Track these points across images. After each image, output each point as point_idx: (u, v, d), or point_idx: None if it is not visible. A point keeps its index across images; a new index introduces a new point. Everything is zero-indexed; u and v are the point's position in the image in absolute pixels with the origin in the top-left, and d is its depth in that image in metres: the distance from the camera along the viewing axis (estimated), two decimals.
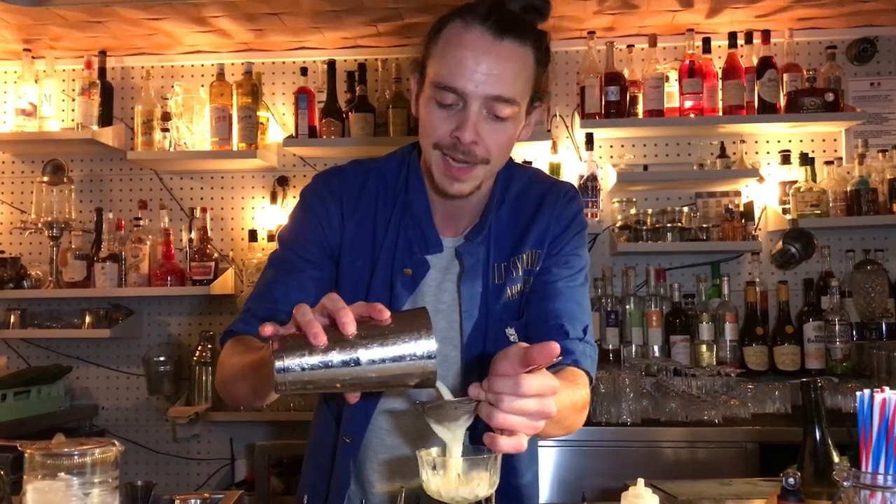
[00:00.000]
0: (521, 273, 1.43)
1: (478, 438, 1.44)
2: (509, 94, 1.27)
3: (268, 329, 0.98)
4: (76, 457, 1.00)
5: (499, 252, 1.43)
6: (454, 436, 1.06)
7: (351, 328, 0.95)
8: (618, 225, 3.26)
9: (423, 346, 0.97)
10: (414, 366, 0.97)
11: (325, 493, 1.48)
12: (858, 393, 1.03)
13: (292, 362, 0.95)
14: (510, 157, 1.45)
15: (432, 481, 1.05)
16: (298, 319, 0.97)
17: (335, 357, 0.95)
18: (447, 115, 1.29)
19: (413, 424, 1.44)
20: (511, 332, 1.41)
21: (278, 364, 0.95)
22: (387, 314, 0.98)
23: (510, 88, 1.27)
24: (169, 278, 3.23)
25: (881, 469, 1.00)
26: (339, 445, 1.45)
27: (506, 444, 1.00)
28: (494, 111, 1.28)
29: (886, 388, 1.03)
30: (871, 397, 1.02)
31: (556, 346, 0.98)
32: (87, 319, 3.31)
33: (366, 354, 0.96)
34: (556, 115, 3.35)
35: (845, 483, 1.01)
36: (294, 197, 3.40)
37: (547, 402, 1.00)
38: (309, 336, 0.95)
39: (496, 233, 1.43)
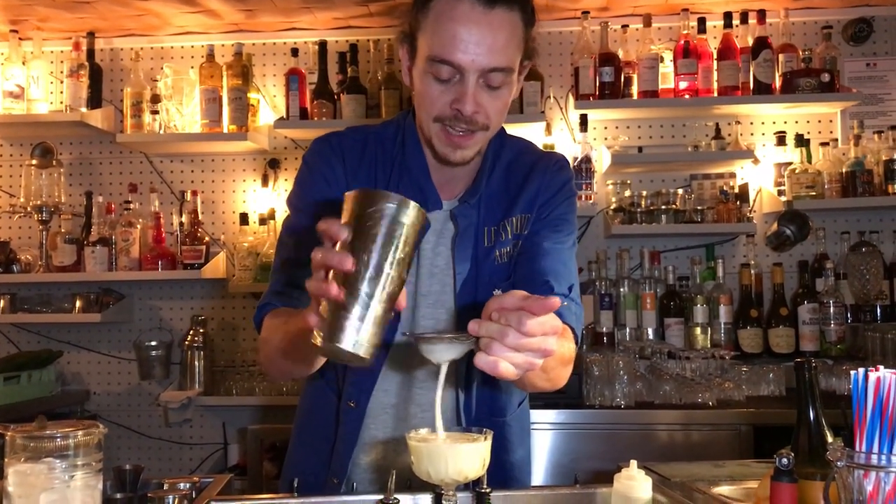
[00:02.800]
0: (510, 237, 1.45)
1: (470, 422, 1.44)
2: (504, 63, 1.29)
3: (312, 320, 0.97)
4: (59, 439, 0.98)
5: (489, 217, 1.45)
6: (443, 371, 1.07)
7: (348, 263, 0.94)
8: (612, 207, 3.24)
9: (395, 207, 0.96)
10: (408, 223, 0.96)
11: (326, 462, 1.48)
12: (853, 372, 1.01)
13: (350, 332, 0.94)
14: (502, 128, 1.48)
15: (422, 464, 1.04)
16: (312, 292, 0.97)
17: (365, 291, 0.94)
18: (444, 87, 1.30)
19: (412, 384, 1.46)
20: (499, 293, 1.42)
21: (346, 344, 0.94)
22: (343, 229, 0.96)
23: (504, 57, 1.28)
24: (160, 262, 3.21)
25: (875, 448, 0.99)
26: (343, 412, 1.46)
27: (496, 367, 0.99)
28: (490, 81, 1.29)
29: (881, 367, 1.01)
30: (866, 376, 1.00)
31: (556, 300, 0.98)
32: (78, 304, 3.29)
33: (378, 262, 0.95)
34: (549, 97, 3.33)
35: (839, 463, 1.00)
36: (286, 180, 3.37)
37: (549, 341, 1.00)
38: (332, 297, 0.94)
39: (487, 198, 1.45)
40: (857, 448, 0.99)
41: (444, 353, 1.05)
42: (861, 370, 1.01)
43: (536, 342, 0.99)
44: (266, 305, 1.40)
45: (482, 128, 1.33)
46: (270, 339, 1.34)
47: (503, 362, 0.99)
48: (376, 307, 0.95)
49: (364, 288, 0.94)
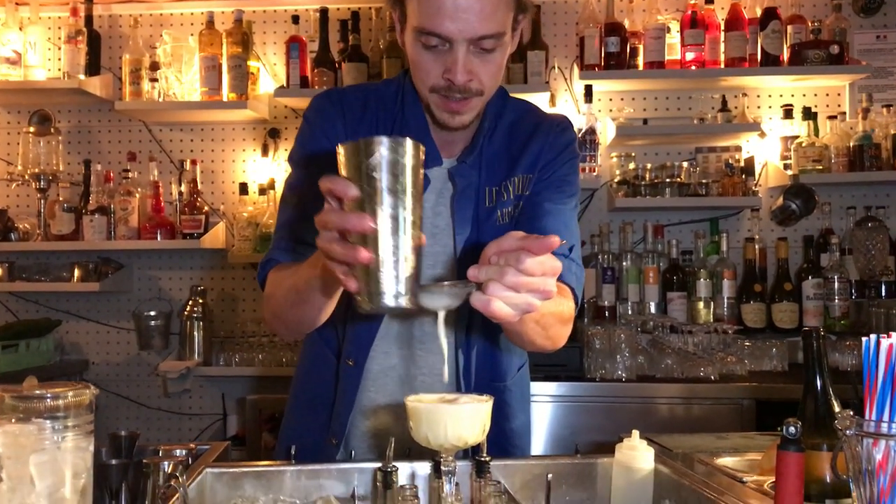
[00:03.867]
0: (511, 197, 1.43)
1: (470, 387, 1.42)
2: (493, 29, 1.25)
3: (352, 286, 0.96)
4: (49, 400, 0.95)
5: (491, 177, 1.43)
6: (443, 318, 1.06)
7: (369, 224, 0.92)
8: (616, 180, 3.20)
9: (392, 149, 0.94)
10: (409, 162, 0.95)
11: (325, 424, 1.47)
12: (864, 339, 0.98)
13: (390, 289, 0.94)
14: (505, 90, 1.47)
15: (421, 429, 1.01)
16: (340, 258, 0.96)
17: (391, 244, 0.93)
18: (435, 56, 1.28)
19: (410, 343, 1.45)
20: None
21: (389, 301, 0.94)
22: (350, 187, 0.94)
23: (493, 23, 1.25)
24: (158, 232, 3.18)
25: (886, 417, 0.96)
26: (342, 371, 1.45)
27: (494, 307, 0.97)
28: (481, 46, 1.27)
29: (894, 334, 0.98)
30: (878, 343, 0.97)
31: (556, 238, 0.96)
32: (77, 273, 3.26)
33: (394, 212, 0.94)
34: (554, 67, 3.28)
35: (848, 431, 0.97)
36: (286, 150, 3.33)
37: (548, 281, 0.98)
38: (362, 260, 0.93)
39: (489, 158, 1.43)
40: (867, 416, 0.97)
41: (442, 301, 1.03)
42: (873, 336, 0.98)
43: (536, 282, 0.97)
44: (270, 262, 1.39)
45: (477, 94, 1.31)
46: (276, 293, 1.33)
47: (496, 301, 0.96)
48: (405, 254, 0.94)
49: (389, 241, 0.93)
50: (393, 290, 0.94)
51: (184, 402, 3.38)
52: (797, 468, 1.02)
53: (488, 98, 1.37)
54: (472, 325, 1.44)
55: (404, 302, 0.95)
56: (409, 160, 0.94)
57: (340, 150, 0.96)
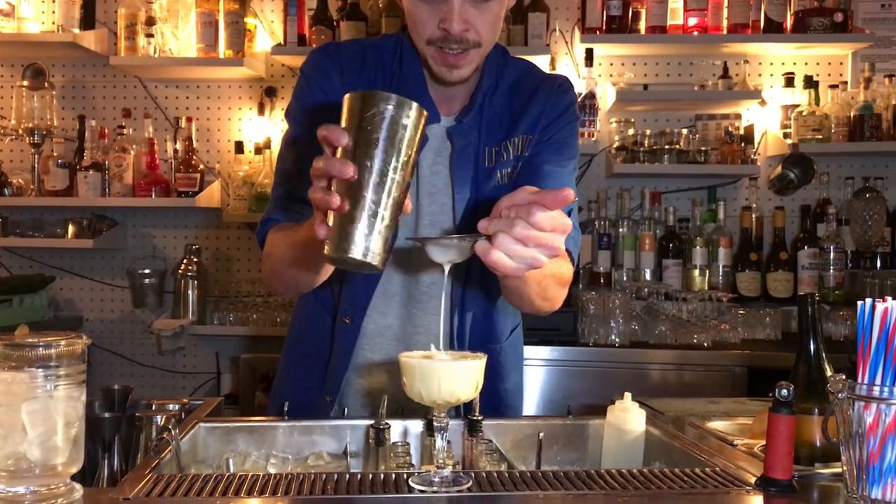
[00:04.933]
0: (511, 158, 1.42)
1: (463, 347, 1.43)
2: None
3: (321, 232, 0.95)
4: (41, 348, 0.95)
5: (490, 137, 1.42)
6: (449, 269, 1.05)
7: (349, 171, 0.91)
8: (615, 146, 3.18)
9: (395, 108, 0.93)
10: (410, 124, 0.94)
11: (319, 381, 1.48)
12: (860, 302, 0.98)
13: (359, 241, 0.92)
14: (505, 49, 1.46)
15: (414, 385, 1.01)
16: (316, 204, 0.95)
17: (370, 198, 0.92)
18: (431, 7, 1.27)
19: (407, 303, 1.45)
20: None
21: (356, 254, 0.92)
22: (343, 134, 0.93)
23: None
24: (153, 189, 3.16)
25: (878, 381, 0.96)
26: (338, 329, 1.45)
27: (501, 258, 0.96)
28: None
29: (889, 298, 0.98)
30: (873, 307, 0.97)
31: (570, 192, 0.95)
32: (71, 229, 3.25)
33: (382, 168, 0.92)
34: (555, 30, 3.24)
35: (840, 395, 0.98)
36: (282, 109, 3.29)
37: (557, 238, 0.98)
38: (335, 208, 0.92)
39: (488, 118, 1.42)
40: (860, 380, 0.97)
41: (449, 254, 1.02)
42: (868, 301, 0.98)
43: (545, 237, 0.96)
44: (269, 220, 1.38)
45: (474, 45, 1.29)
46: (275, 252, 1.33)
47: (497, 252, 0.96)
48: (383, 213, 0.93)
49: (369, 195, 0.92)
50: (363, 243, 0.92)
51: (178, 360, 3.38)
52: (788, 431, 1.03)
53: (486, 51, 1.35)
54: (468, 286, 1.43)
55: (373, 259, 0.93)
56: (409, 122, 0.93)
57: (346, 98, 0.95)
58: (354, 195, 0.92)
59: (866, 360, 0.98)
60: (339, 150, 0.94)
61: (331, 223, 0.94)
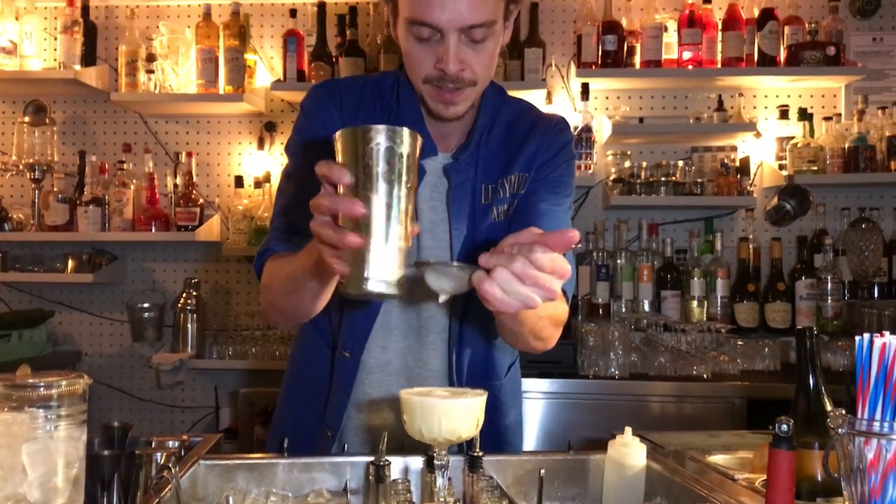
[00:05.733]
0: (507, 195, 1.43)
1: (462, 384, 1.43)
2: (484, 18, 1.25)
3: (337, 269, 0.96)
4: (42, 389, 0.95)
5: (487, 174, 1.43)
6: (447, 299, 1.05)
7: (359, 209, 0.93)
8: (611, 178, 3.21)
9: (390, 138, 0.94)
10: (406, 151, 0.95)
11: (320, 416, 1.47)
12: (857, 337, 0.99)
13: (375, 274, 0.94)
14: (503, 88, 1.48)
15: (415, 422, 1.01)
16: (329, 242, 0.96)
17: (380, 232, 0.94)
18: (427, 47, 1.28)
19: (407, 337, 1.45)
20: None
21: (373, 287, 0.93)
22: (345, 172, 0.94)
23: (483, 12, 1.24)
24: (153, 223, 3.17)
25: (878, 416, 0.96)
26: (338, 362, 1.45)
27: (495, 292, 0.96)
28: (472, 36, 1.26)
29: (886, 333, 0.99)
30: (871, 342, 0.98)
31: (574, 234, 0.96)
32: (70, 264, 3.26)
33: (387, 200, 0.94)
34: (551, 64, 3.28)
35: (840, 430, 0.98)
36: (282, 143, 3.32)
37: (555, 282, 0.97)
38: (351, 246, 0.93)
39: (485, 156, 1.43)
40: (860, 415, 0.97)
41: (447, 282, 1.02)
42: (866, 335, 0.98)
43: (544, 278, 0.96)
44: (267, 251, 1.38)
45: (470, 84, 1.31)
46: (273, 281, 1.33)
47: (492, 284, 0.95)
48: (394, 244, 0.94)
49: (380, 227, 0.93)
50: (379, 275, 0.94)
51: (176, 394, 3.37)
52: (789, 466, 1.03)
53: (482, 89, 1.36)
54: (466, 322, 1.43)
55: (389, 290, 0.94)
56: (405, 149, 0.95)
57: (338, 135, 0.96)
58: (364, 230, 0.93)
59: (866, 394, 0.98)
60: (342, 188, 0.95)
61: (345, 259, 0.95)
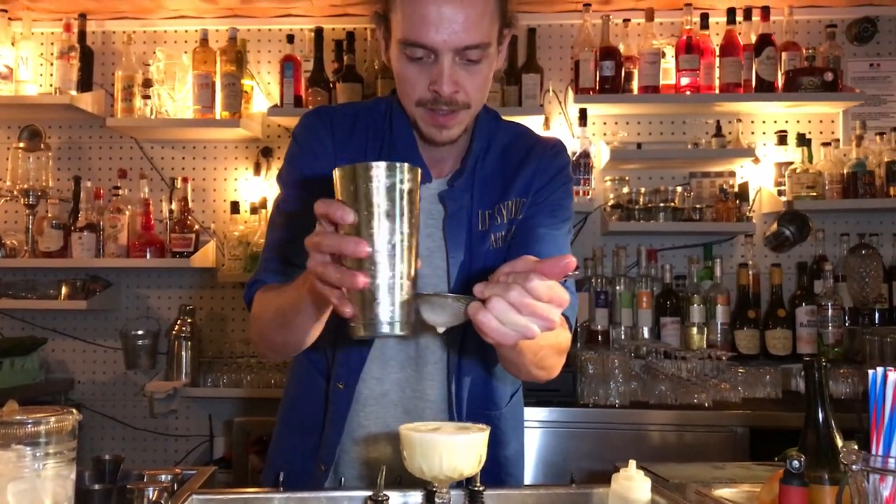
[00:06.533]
0: (505, 221, 1.41)
1: (462, 415, 1.39)
2: (478, 39, 1.23)
3: (346, 311, 0.94)
4: (29, 425, 0.92)
5: (483, 200, 1.41)
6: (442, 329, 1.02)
7: (364, 249, 0.90)
8: (610, 204, 3.19)
9: (390, 174, 0.92)
10: (407, 187, 0.92)
11: (314, 449, 1.43)
12: (871, 371, 0.96)
13: (384, 315, 0.92)
14: (497, 113, 1.46)
15: (415, 459, 0.98)
16: (336, 283, 0.93)
17: (387, 271, 0.92)
18: (420, 69, 1.26)
19: (404, 367, 1.42)
20: None
21: (384, 329, 0.92)
22: (348, 212, 0.92)
23: (478, 34, 1.23)
24: (148, 250, 3.14)
25: (893, 452, 0.94)
26: (332, 394, 1.42)
27: (491, 323, 0.93)
28: (467, 57, 1.25)
29: None
30: (885, 376, 0.95)
31: (571, 260, 0.93)
32: (64, 290, 3.22)
33: (391, 238, 0.92)
34: (549, 90, 3.28)
35: (854, 467, 0.95)
36: (278, 169, 3.30)
37: (553, 310, 0.94)
38: (359, 285, 0.91)
39: (481, 181, 1.41)
40: (874, 451, 0.94)
41: (443, 315, 0.99)
42: (879, 370, 0.96)
43: (541, 307, 0.93)
44: (257, 282, 1.36)
45: (464, 106, 1.29)
46: (262, 314, 1.30)
47: (488, 314, 0.92)
48: (401, 282, 0.92)
49: (386, 267, 0.92)
50: (388, 316, 0.92)
51: (170, 422, 3.32)
52: (801, 503, 1.00)
53: (475, 112, 1.35)
54: (464, 352, 1.41)
55: (400, 329, 0.92)
56: (406, 185, 0.93)
57: (337, 173, 0.94)
58: (370, 269, 0.91)
59: (880, 430, 0.95)
60: (344, 227, 0.93)
61: (353, 301, 0.93)
